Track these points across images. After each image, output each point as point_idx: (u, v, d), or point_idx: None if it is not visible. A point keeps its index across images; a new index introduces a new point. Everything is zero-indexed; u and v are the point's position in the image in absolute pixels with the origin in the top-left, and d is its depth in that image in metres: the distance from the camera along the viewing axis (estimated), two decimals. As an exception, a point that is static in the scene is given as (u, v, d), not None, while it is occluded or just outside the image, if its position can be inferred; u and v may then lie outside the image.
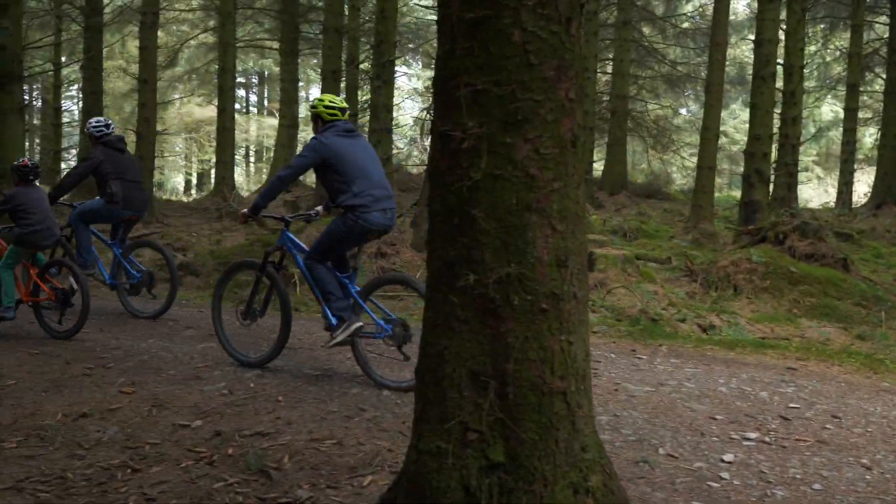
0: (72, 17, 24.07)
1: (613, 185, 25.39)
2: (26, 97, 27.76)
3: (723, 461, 4.73)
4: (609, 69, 27.33)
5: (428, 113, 17.06)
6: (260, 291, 6.85)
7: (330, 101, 6.31)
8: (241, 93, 45.24)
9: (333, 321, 6.25)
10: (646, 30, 29.39)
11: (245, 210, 6.63)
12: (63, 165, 28.09)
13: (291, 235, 6.69)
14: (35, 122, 34.91)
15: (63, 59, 27.72)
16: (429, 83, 35.95)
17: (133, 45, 29.80)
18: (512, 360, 3.21)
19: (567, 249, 3.28)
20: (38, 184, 8.13)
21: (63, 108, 29.90)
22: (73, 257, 8.98)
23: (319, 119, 6.29)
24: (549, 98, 3.22)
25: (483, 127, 3.21)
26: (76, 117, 35.09)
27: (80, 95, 29.01)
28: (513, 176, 3.19)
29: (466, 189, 3.23)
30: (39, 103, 35.35)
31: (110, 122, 9.27)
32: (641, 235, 16.81)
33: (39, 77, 29.93)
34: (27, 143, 28.45)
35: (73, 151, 29.23)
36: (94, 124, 9.08)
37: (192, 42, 31.16)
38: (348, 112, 6.37)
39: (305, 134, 36.89)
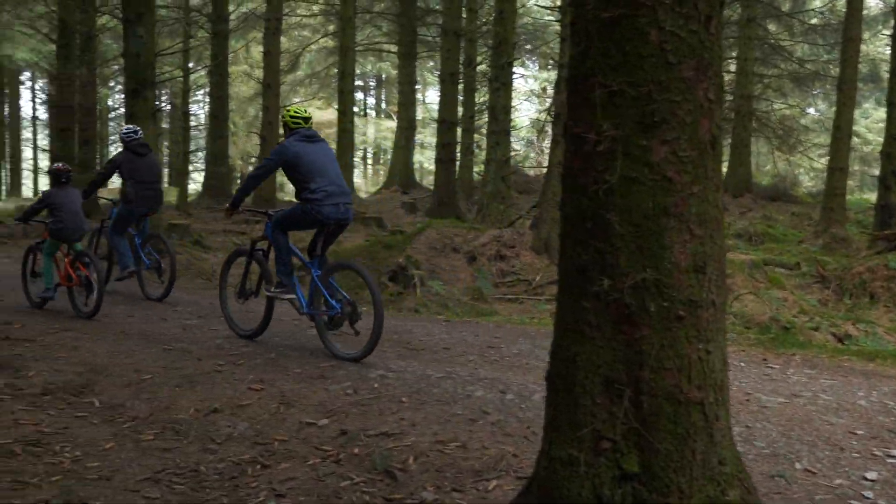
0: (199, 24, 24.87)
1: (737, 187, 24.76)
2: (157, 102, 28.85)
3: (866, 479, 4.50)
4: (732, 68, 26.64)
5: (548, 114, 16.95)
6: (251, 275, 7.94)
7: (295, 112, 7.32)
8: (359, 96, 45.94)
9: (280, 281, 7.40)
10: (771, 27, 28.53)
11: (227, 205, 7.75)
12: (190, 167, 29.00)
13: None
14: (164, 125, 36.20)
15: (191, 65, 28.67)
16: (546, 84, 35.79)
17: (257, 51, 30.60)
18: (647, 367, 3.13)
19: (705, 255, 3.18)
20: (70, 186, 9.41)
21: (191, 113, 30.92)
22: (104, 249, 10.78)
23: (286, 127, 7.30)
24: (688, 98, 3.13)
25: (618, 129, 3.14)
26: (203, 121, 36.26)
27: (207, 100, 29.96)
28: (649, 179, 3.11)
29: (601, 192, 3.16)
30: (169, 108, 36.65)
31: (139, 129, 10.58)
32: (768, 240, 16.30)
33: (169, 83, 31.02)
34: (158, 147, 29.55)
35: (201, 154, 30.17)
36: (124, 131, 10.44)
37: (313, 46, 31.79)
38: (311, 121, 7.33)
39: (422, 136, 37.21)
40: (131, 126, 10.61)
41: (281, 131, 7.45)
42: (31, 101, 45.48)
